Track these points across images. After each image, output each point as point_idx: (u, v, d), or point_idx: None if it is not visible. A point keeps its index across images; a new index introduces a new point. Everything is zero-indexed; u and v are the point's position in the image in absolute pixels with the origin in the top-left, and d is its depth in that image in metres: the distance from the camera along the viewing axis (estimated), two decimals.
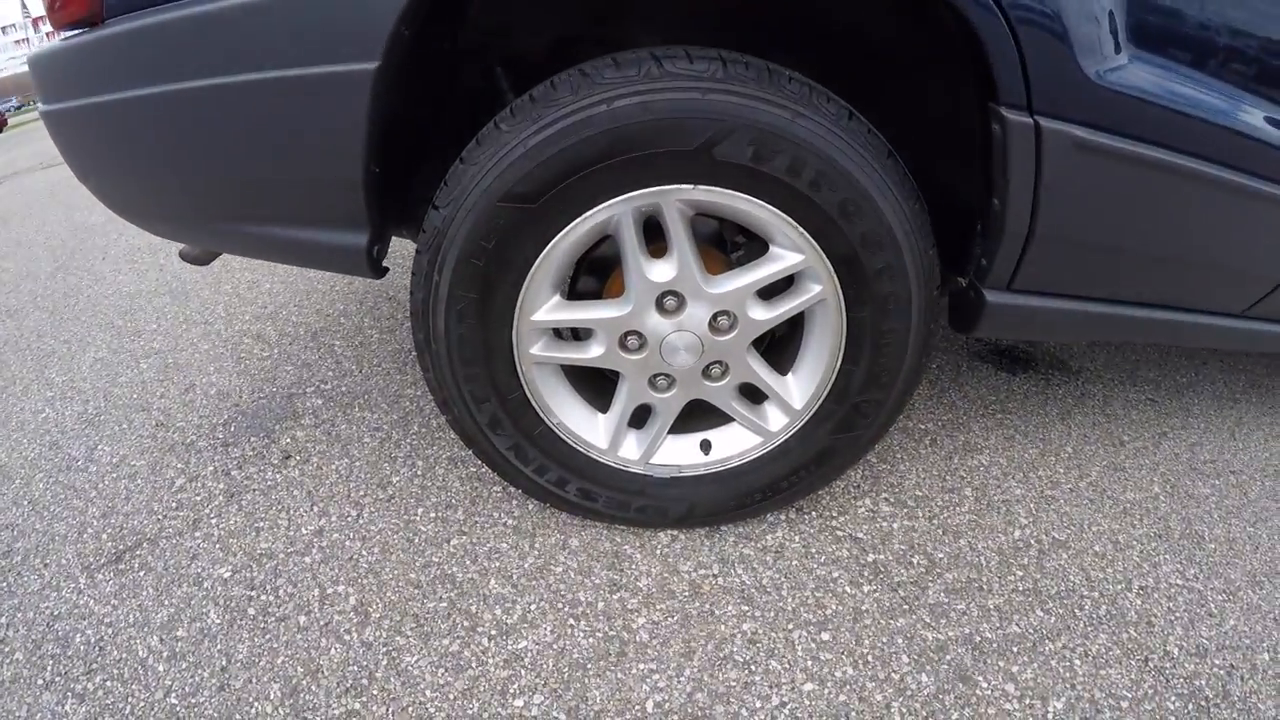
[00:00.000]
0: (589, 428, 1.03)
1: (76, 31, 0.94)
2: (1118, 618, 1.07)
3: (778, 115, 0.77)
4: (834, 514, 1.22)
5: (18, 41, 27.52)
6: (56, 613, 1.10)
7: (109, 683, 0.97)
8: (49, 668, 1.01)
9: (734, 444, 1.05)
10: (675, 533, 1.15)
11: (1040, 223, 0.89)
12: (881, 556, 1.13)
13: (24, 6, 26.45)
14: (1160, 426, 1.66)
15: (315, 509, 1.24)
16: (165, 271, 2.63)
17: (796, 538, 1.15)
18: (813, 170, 0.79)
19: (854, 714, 0.88)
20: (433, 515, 1.20)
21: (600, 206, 0.82)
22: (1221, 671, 1.00)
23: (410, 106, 0.96)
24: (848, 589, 1.07)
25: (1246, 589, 1.17)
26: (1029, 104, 0.80)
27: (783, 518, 1.19)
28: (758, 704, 0.89)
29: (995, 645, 1.00)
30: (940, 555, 1.16)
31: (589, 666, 0.93)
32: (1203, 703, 0.95)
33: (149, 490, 1.35)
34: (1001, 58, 0.77)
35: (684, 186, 0.80)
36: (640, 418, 1.05)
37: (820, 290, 0.88)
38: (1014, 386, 1.74)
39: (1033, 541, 1.22)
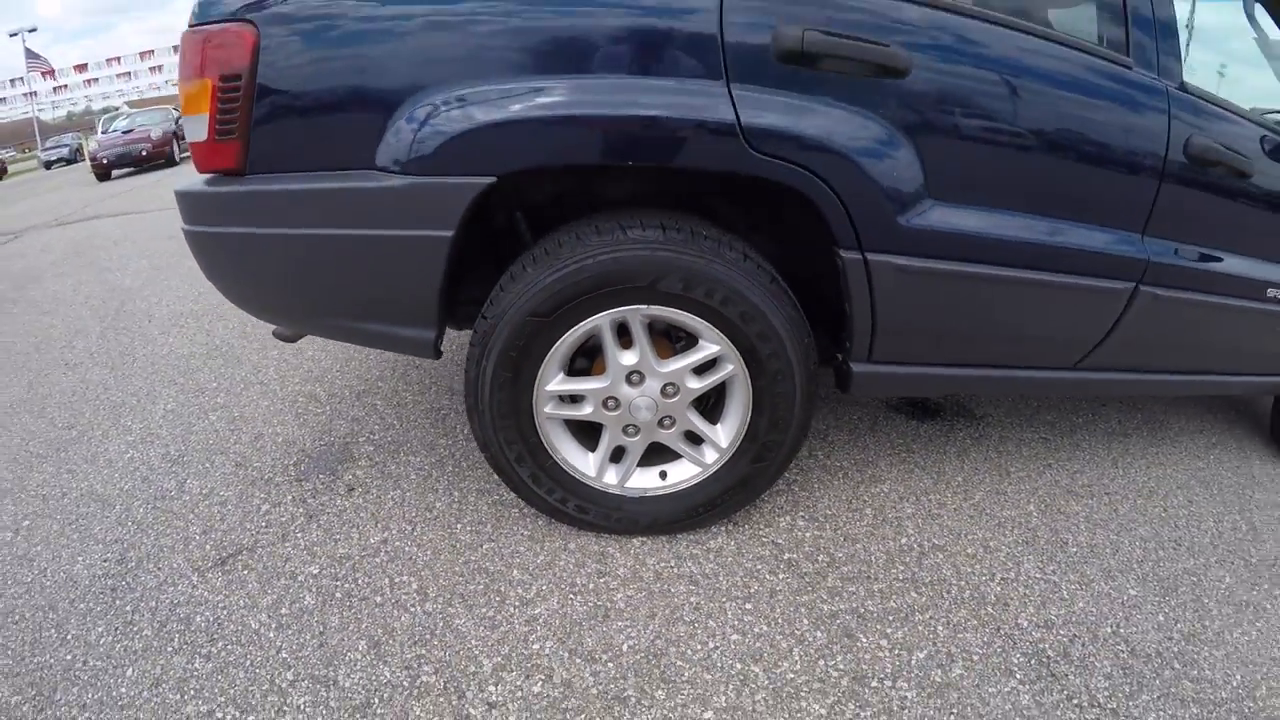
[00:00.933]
0: (583, 462, 1.50)
1: (218, 174, 1.39)
2: (979, 599, 1.51)
3: (697, 261, 1.27)
4: (761, 526, 1.68)
5: (26, 95, 28.33)
6: (176, 601, 1.51)
7: (229, 646, 1.39)
8: (176, 639, 1.42)
9: (682, 473, 1.53)
10: (644, 538, 1.61)
11: (878, 320, 1.38)
12: (794, 555, 1.59)
13: (32, 56, 27.24)
14: (1047, 459, 2.14)
15: (378, 526, 1.69)
16: (212, 336, 3.09)
17: (732, 542, 1.62)
18: (721, 295, 1.29)
19: (765, 654, 1.33)
20: (469, 529, 1.66)
21: (589, 319, 1.31)
22: (1065, 639, 1.42)
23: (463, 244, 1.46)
24: (767, 576, 1.52)
25: (1100, 581, 1.61)
26: (859, 246, 1.31)
27: (722, 528, 1.65)
28: (698, 647, 1.34)
29: (875, 614, 1.45)
30: (839, 555, 1.61)
31: (583, 624, 1.38)
32: (1044, 659, 1.37)
33: (239, 514, 1.79)
34: (836, 219, 1.28)
35: (640, 307, 1.30)
36: (617, 455, 1.52)
37: (733, 368, 1.37)
38: (920, 431, 2.22)
39: (916, 546, 1.67)
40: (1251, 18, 1.99)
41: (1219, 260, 1.72)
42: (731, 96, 1.20)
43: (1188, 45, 1.69)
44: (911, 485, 1.92)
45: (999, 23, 1.35)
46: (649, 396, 1.40)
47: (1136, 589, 1.60)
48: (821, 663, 1.33)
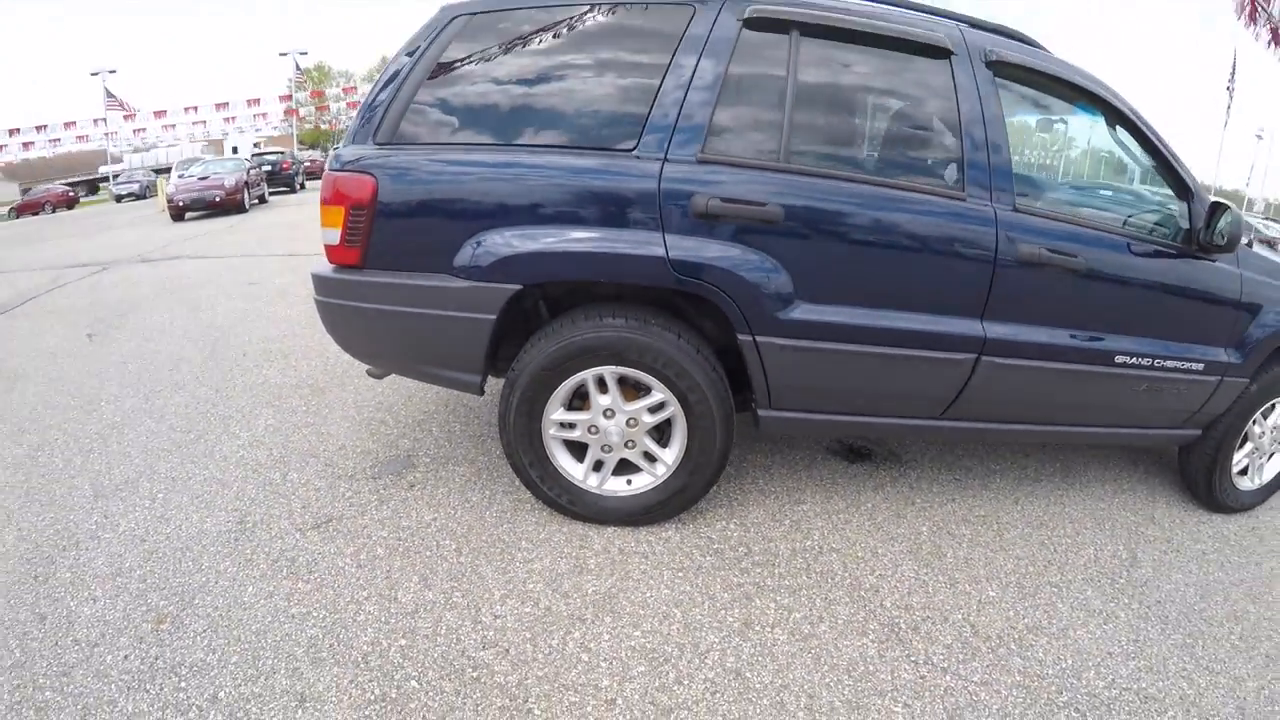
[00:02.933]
0: (574, 470, 2.27)
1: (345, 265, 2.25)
2: (855, 585, 2.18)
3: (648, 340, 2.05)
4: (702, 526, 2.42)
5: (106, 134, 31.38)
6: (284, 548, 2.26)
7: (323, 576, 2.13)
8: (284, 570, 2.16)
9: (642, 481, 2.28)
10: (616, 527, 2.36)
11: (770, 381, 2.14)
12: (720, 546, 2.32)
13: (110, 97, 29.96)
14: (953, 494, 2.82)
15: (430, 509, 2.47)
16: (299, 370, 3.97)
17: (678, 534, 2.36)
18: (663, 361, 2.06)
19: (684, 603, 2.05)
20: (495, 514, 2.43)
21: (579, 373, 2.10)
22: (918, 619, 2.07)
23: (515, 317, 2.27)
24: (698, 556, 2.25)
25: (965, 584, 2.24)
26: (751, 332, 2.07)
27: (673, 524, 2.40)
28: (639, 595, 2.06)
29: (771, 587, 2.16)
30: (755, 548, 2.34)
31: (564, 576, 2.12)
32: (896, 629, 2.02)
33: (330, 496, 2.59)
34: (734, 315, 2.05)
35: (612, 367, 2.09)
36: (598, 466, 2.29)
37: (673, 410, 2.14)
38: (848, 470, 2.93)
39: (816, 547, 2.38)
40: (1116, 139, 2.69)
41: (1058, 335, 2.36)
42: (665, 241, 2.01)
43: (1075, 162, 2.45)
44: (828, 507, 2.63)
45: (852, 179, 2.13)
46: (618, 426, 2.18)
47: (996, 591, 2.24)
48: (723, 612, 2.04)
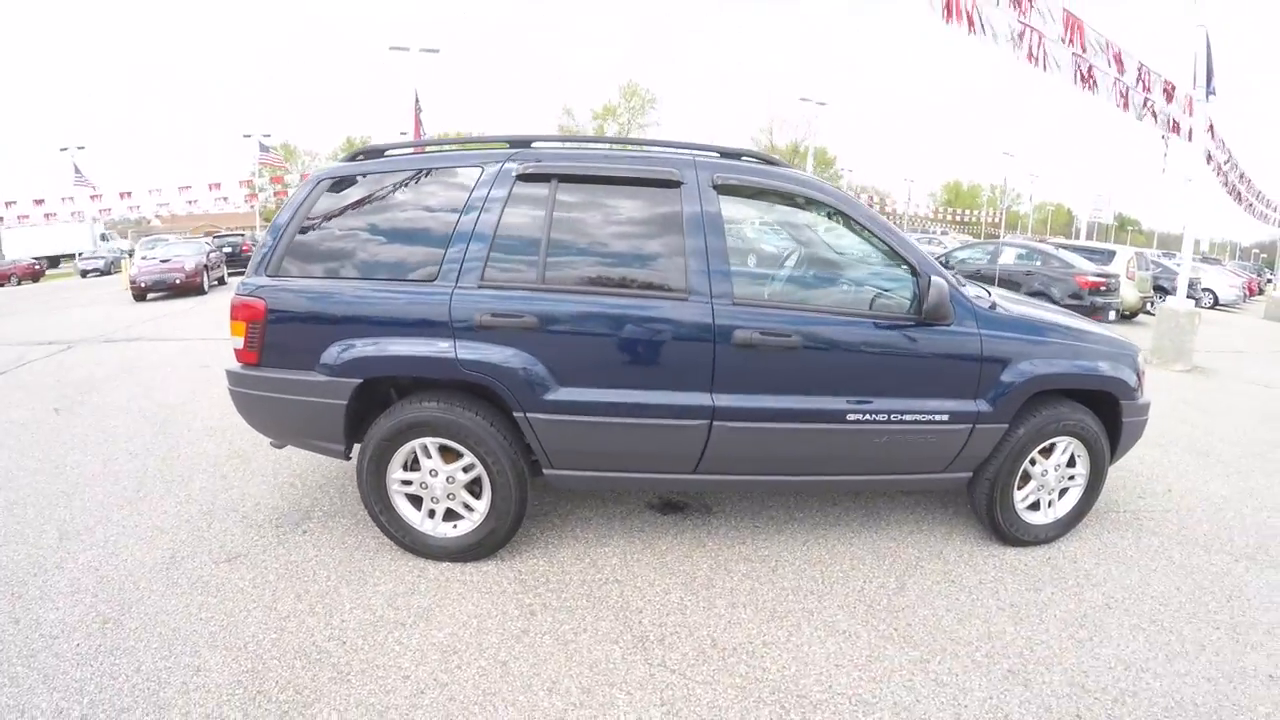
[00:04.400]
0: (413, 516, 3.21)
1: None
2: (624, 608, 3.00)
3: (456, 418, 3.01)
4: (516, 561, 3.34)
5: (74, 214, 32.73)
6: (201, 576, 3.17)
7: (229, 593, 3.05)
8: (199, 589, 3.10)
9: (466, 525, 3.22)
10: (447, 563, 3.28)
11: (544, 446, 3.08)
12: (525, 576, 3.23)
13: (84, 180, 31.17)
14: (745, 539, 3.59)
15: (315, 549, 3.37)
16: (232, 444, 4.88)
17: (495, 567, 3.27)
18: (467, 434, 3.03)
19: (483, 614, 2.97)
20: (362, 553, 3.34)
21: (410, 442, 3.07)
22: (667, 632, 2.91)
23: (364, 402, 3.26)
24: (503, 582, 3.16)
25: (722, 608, 2.95)
26: (523, 410, 3.02)
27: (493, 560, 3.32)
28: (451, 607, 2.97)
29: (554, 607, 3.04)
30: (552, 578, 3.25)
31: (401, 593, 3.04)
32: (644, 639, 2.94)
33: (241, 540, 3.47)
34: (508, 398, 3.00)
35: (430, 438, 3.06)
36: (432, 514, 3.23)
37: (480, 470, 3.11)
38: (658, 520, 3.84)
39: (604, 579, 3.26)
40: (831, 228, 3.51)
41: (785, 400, 3.03)
42: (455, 346, 2.98)
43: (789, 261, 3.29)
44: (627, 549, 3.51)
45: (595, 291, 3.00)
46: (441, 483, 3.14)
47: (749, 614, 2.95)
48: (509, 622, 2.90)
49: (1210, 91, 9.27)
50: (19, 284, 27.61)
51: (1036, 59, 7.24)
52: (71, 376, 7.13)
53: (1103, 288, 11.64)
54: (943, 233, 42.17)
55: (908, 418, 3.15)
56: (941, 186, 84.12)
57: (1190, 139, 9.28)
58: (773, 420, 3.08)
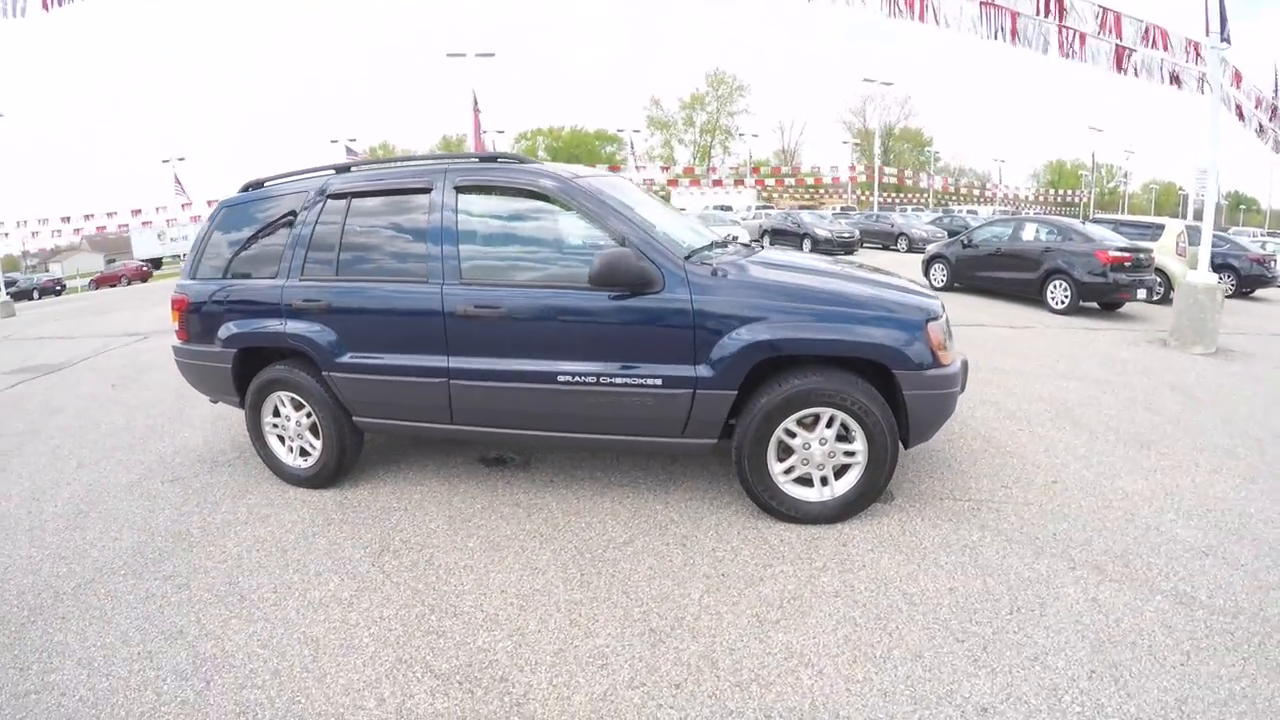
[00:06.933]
0: (280, 450, 4.69)
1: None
2: (388, 526, 4.41)
3: (291, 376, 4.45)
4: (349, 492, 4.80)
5: (168, 221, 37.79)
6: (178, 474, 4.89)
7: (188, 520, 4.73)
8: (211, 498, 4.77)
9: (310, 460, 4.70)
10: (307, 489, 4.74)
11: (341, 398, 4.28)
12: (346, 503, 4.70)
13: (180, 189, 35.49)
14: (533, 489, 4.66)
15: (230, 476, 5.00)
16: (219, 410, 6.67)
17: (333, 495, 4.76)
18: (298, 388, 4.51)
19: (304, 522, 4.45)
20: (263, 477, 4.95)
21: (271, 394, 4.53)
22: (399, 546, 4.41)
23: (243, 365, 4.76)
24: (328, 507, 4.60)
25: (462, 540, 4.33)
26: (325, 369, 4.28)
27: (335, 489, 4.80)
28: (286, 517, 4.47)
29: (344, 521, 4.51)
30: (364, 505, 4.67)
31: (265, 507, 4.59)
32: (385, 548, 4.42)
33: (195, 464, 5.17)
34: (315, 360, 4.29)
35: (281, 391, 4.55)
36: (291, 450, 4.71)
37: (314, 416, 4.60)
38: (476, 470, 4.95)
39: (396, 507, 4.63)
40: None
41: (503, 363, 3.73)
42: (285, 323, 4.35)
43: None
44: (433, 490, 4.67)
45: (367, 280, 4.09)
46: (294, 425, 4.57)
47: (475, 543, 4.04)
48: (308, 527, 4.27)
49: (1224, 38, 9.02)
50: (129, 285, 32.29)
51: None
52: (136, 361, 9.36)
53: (1127, 263, 11.19)
54: (969, 211, 40.25)
55: (618, 381, 3.58)
56: (1044, 166, 79.99)
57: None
58: (496, 380, 3.81)
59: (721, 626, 2.97)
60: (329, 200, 4.33)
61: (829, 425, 3.55)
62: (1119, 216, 18.91)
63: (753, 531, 3.68)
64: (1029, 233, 12.90)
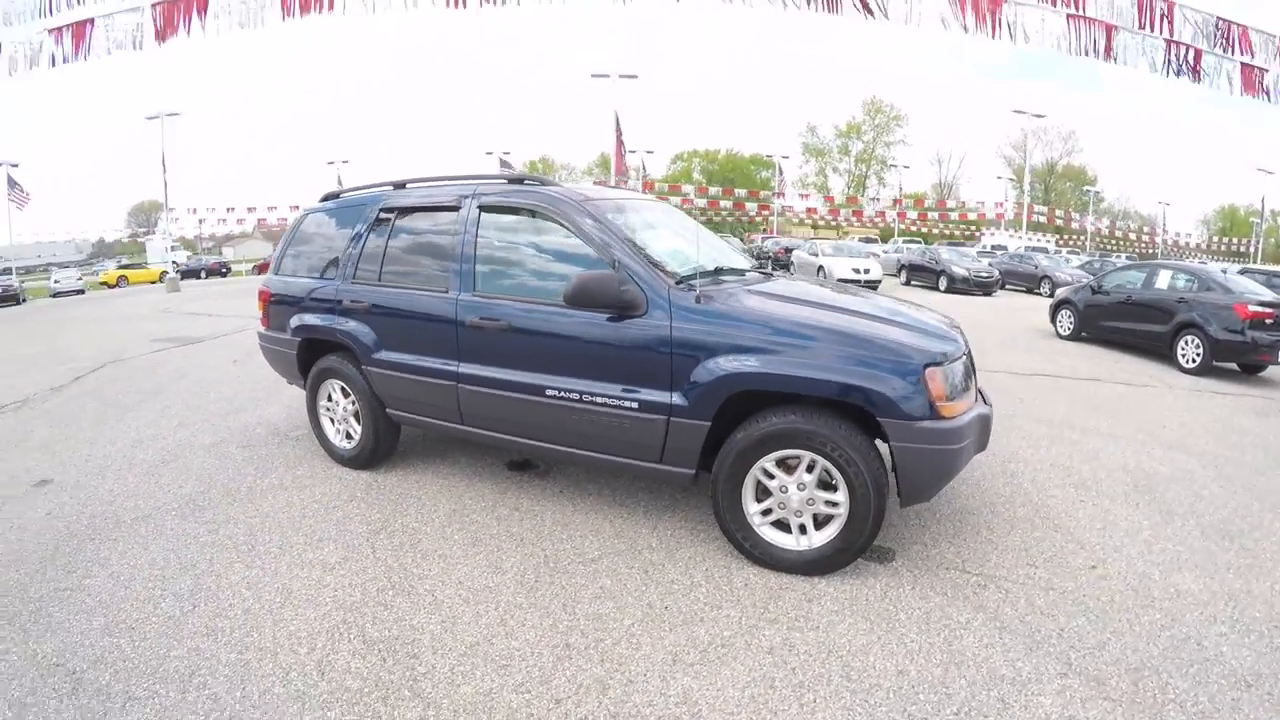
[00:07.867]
0: (331, 431, 5.33)
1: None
2: (397, 512, 4.93)
3: (339, 367, 5.16)
4: (384, 474, 5.39)
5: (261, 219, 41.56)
6: (250, 441, 5.70)
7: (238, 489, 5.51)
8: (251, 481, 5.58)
9: (354, 442, 5.37)
10: (345, 468, 5.42)
11: (376, 392, 4.91)
12: (377, 480, 5.29)
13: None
14: (539, 495, 5.05)
15: (291, 448, 5.74)
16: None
17: (368, 475, 5.38)
18: (344, 376, 5.17)
19: (319, 503, 5.07)
20: (314, 451, 5.66)
21: (325, 381, 5.25)
22: (379, 529, 4.91)
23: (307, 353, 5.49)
24: (366, 479, 5.22)
25: (452, 533, 4.81)
26: (363, 364, 4.87)
27: (372, 471, 5.42)
28: (346, 475, 5.14)
29: (367, 499, 5.10)
30: (390, 485, 5.22)
31: (320, 476, 5.29)
32: (379, 530, 4.94)
33: (269, 435, 5.98)
34: (355, 356, 4.95)
35: (332, 380, 5.24)
36: (339, 433, 5.39)
37: (360, 404, 5.26)
38: (502, 474, 5.48)
39: (416, 494, 5.17)
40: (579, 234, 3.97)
41: (502, 372, 4.01)
42: (336, 319, 4.99)
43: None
44: (454, 485, 5.18)
45: (402, 286, 4.63)
46: (340, 410, 5.25)
47: (459, 537, 4.38)
48: (335, 499, 4.83)
49: None
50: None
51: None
52: (249, 343, 10.59)
53: (1269, 320, 9.86)
54: (1058, 251, 37.67)
55: (598, 400, 3.68)
56: (1214, 211, 73.21)
57: None
58: (496, 388, 4.11)
59: (634, 657, 2.94)
60: (381, 212, 4.90)
61: (809, 470, 3.37)
62: (1276, 268, 16.65)
63: (721, 571, 3.58)
64: (1163, 280, 11.62)
